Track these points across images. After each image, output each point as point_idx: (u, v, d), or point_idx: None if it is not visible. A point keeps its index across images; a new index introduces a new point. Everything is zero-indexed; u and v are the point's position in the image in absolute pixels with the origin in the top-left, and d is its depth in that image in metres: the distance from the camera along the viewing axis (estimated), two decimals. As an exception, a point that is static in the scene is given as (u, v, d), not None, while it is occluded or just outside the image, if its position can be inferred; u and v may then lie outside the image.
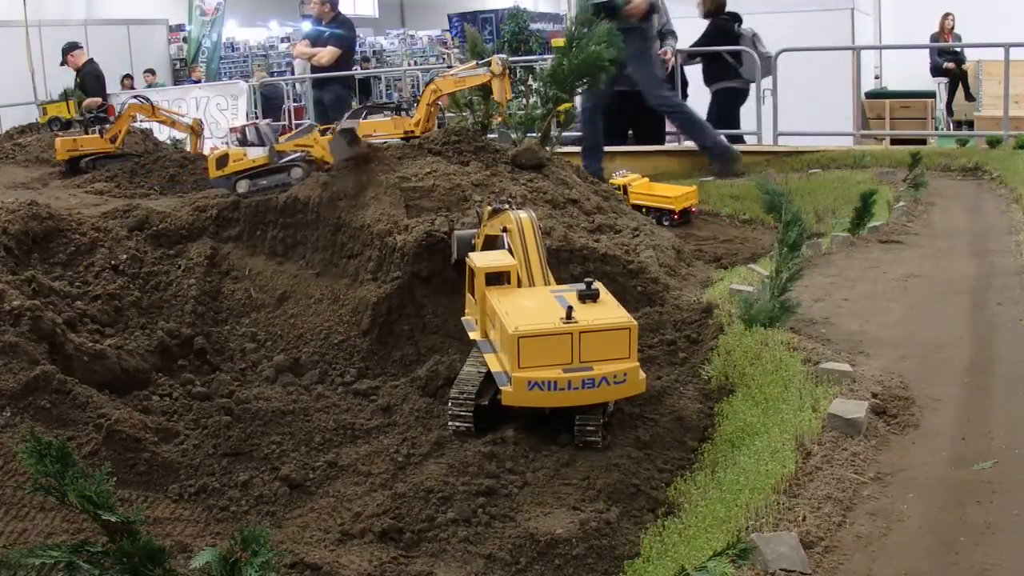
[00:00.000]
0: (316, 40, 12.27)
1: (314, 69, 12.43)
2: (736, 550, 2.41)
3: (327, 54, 12.03)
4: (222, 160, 6.46)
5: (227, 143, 6.59)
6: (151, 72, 20.22)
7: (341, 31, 12.19)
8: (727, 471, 3.49)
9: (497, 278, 4.21)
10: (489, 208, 4.65)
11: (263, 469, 4.01)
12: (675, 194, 7.65)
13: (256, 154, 6.38)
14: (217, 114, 13.63)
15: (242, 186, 6.31)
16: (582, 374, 3.73)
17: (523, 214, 4.33)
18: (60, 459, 2.33)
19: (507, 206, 4.48)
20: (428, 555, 3.37)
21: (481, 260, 4.32)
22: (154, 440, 4.05)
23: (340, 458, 4.07)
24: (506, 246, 4.44)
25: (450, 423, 4.10)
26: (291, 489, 3.88)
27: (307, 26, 14.50)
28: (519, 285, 4.23)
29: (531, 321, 3.80)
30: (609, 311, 3.89)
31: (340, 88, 12.35)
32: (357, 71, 13.77)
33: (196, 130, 8.10)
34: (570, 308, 3.79)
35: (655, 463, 3.79)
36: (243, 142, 6.51)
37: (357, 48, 16.91)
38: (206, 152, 7.70)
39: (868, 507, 3.04)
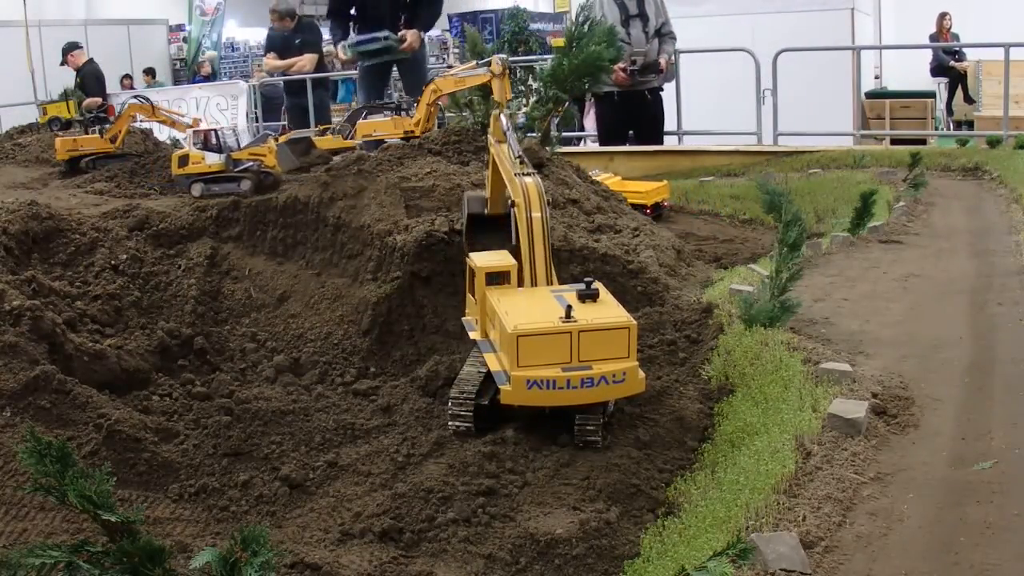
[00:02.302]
0: (284, 50, 12.24)
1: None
2: (736, 550, 2.41)
3: (307, 62, 12.02)
4: (183, 160, 6.68)
5: (193, 143, 6.76)
6: (149, 72, 20.15)
7: (311, 37, 12.22)
8: (727, 471, 3.49)
9: (497, 278, 4.21)
10: (495, 113, 4.55)
11: (263, 469, 4.01)
12: (646, 190, 7.74)
13: (213, 160, 6.57)
14: (217, 114, 13.61)
15: (196, 189, 6.51)
16: (581, 373, 3.73)
17: (530, 181, 4.19)
18: (60, 459, 2.33)
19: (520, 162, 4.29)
20: (428, 555, 3.37)
21: (481, 260, 4.32)
22: (154, 440, 4.05)
23: (340, 458, 4.07)
24: (512, 222, 4.37)
25: (450, 423, 4.10)
26: (291, 489, 3.88)
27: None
28: (520, 272, 4.21)
29: (530, 320, 3.80)
30: (609, 311, 3.89)
31: (323, 92, 12.36)
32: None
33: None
34: (569, 307, 3.79)
35: (655, 463, 3.79)
36: (205, 145, 6.67)
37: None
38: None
39: (868, 507, 3.04)
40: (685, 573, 2.43)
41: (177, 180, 6.73)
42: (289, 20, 12.11)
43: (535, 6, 26.68)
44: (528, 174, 4.24)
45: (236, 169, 6.55)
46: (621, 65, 9.35)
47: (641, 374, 3.87)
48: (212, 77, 20.05)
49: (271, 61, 12.61)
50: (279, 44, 12.42)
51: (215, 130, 6.86)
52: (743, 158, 10.08)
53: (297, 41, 12.14)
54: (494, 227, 4.85)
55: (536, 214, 4.13)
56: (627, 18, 9.61)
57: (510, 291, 4.16)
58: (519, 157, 4.36)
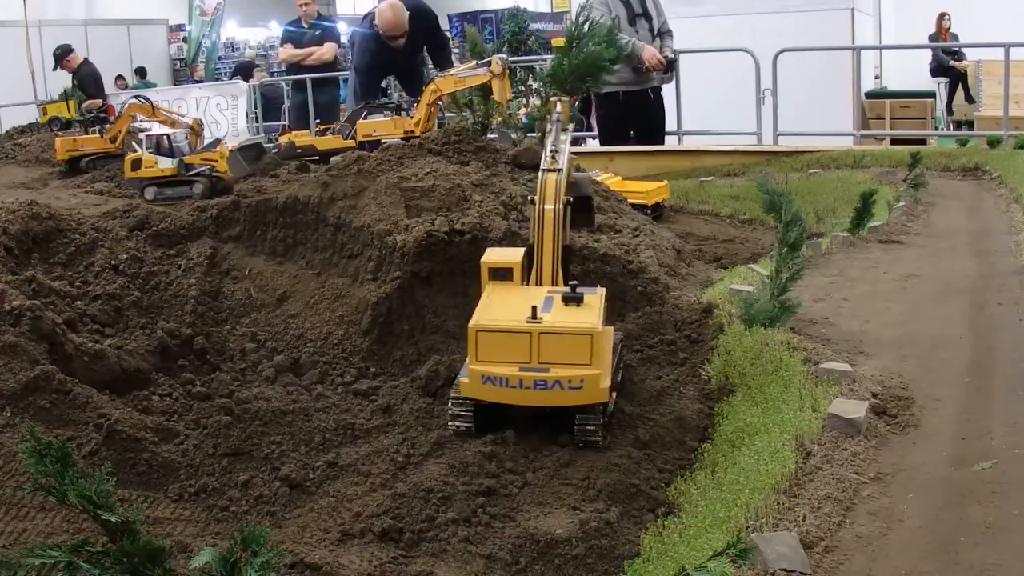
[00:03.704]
0: (300, 41, 12.24)
1: (305, 70, 12.36)
2: (736, 550, 2.41)
3: (328, 51, 12.01)
4: (136, 163, 6.79)
5: (146, 147, 6.82)
6: (139, 72, 19.99)
7: (328, 32, 12.24)
8: (727, 471, 3.49)
9: (501, 273, 4.22)
10: (564, 101, 4.55)
11: (263, 469, 4.00)
12: (647, 189, 7.72)
13: (165, 164, 6.70)
14: (217, 114, 13.61)
15: (149, 193, 6.63)
16: (535, 375, 3.73)
17: (551, 177, 4.14)
18: (60, 459, 2.33)
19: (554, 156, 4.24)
20: (428, 555, 3.37)
21: (488, 255, 4.37)
22: (154, 440, 4.04)
23: (340, 458, 4.07)
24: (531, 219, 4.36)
25: (450, 423, 4.09)
26: (291, 489, 3.87)
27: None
28: (528, 271, 4.21)
29: (496, 317, 3.83)
30: (580, 316, 3.84)
31: (334, 89, 12.36)
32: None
33: (196, 130, 8.10)
34: (535, 308, 3.78)
35: (655, 463, 3.79)
36: (157, 150, 6.73)
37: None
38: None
39: (868, 507, 3.05)
40: (685, 573, 2.43)
41: (130, 183, 6.86)
42: (315, 8, 12.23)
43: (535, 6, 26.68)
44: (554, 170, 4.21)
45: (188, 173, 6.66)
46: (657, 56, 9.44)
47: (604, 383, 3.79)
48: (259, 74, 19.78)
49: (288, 50, 12.57)
50: (296, 36, 12.44)
51: (168, 135, 6.94)
52: (743, 158, 10.07)
53: (317, 33, 12.15)
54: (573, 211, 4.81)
55: (548, 207, 4.12)
56: (633, 17, 9.69)
57: (507, 287, 4.17)
58: (553, 152, 4.33)
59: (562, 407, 3.83)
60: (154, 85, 18.18)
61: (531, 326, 3.74)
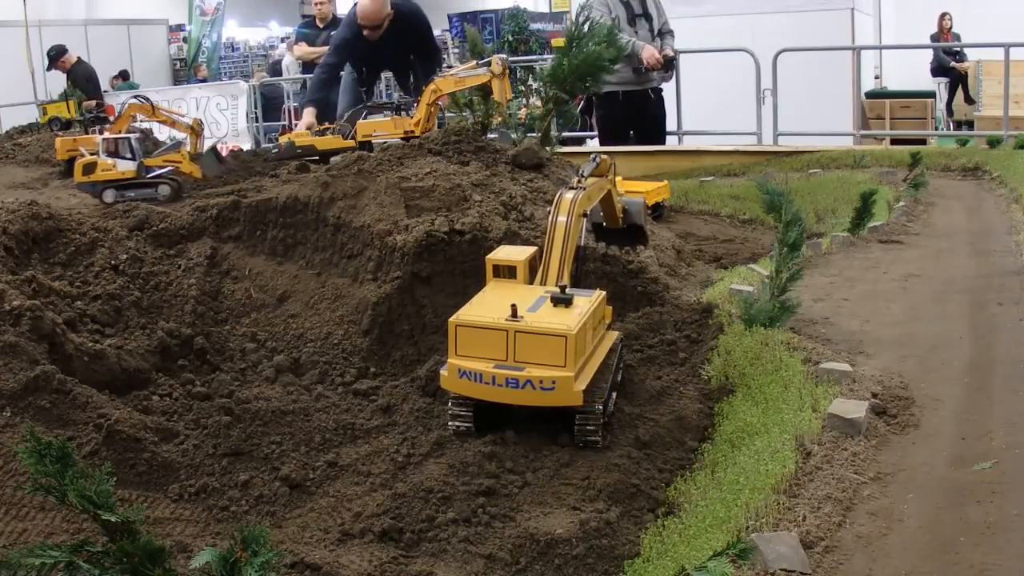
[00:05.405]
0: (314, 41, 12.31)
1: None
2: (736, 550, 2.41)
3: None
4: (89, 168, 6.71)
5: (102, 151, 6.78)
6: (121, 75, 19.93)
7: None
8: (727, 471, 3.49)
9: (504, 271, 4.23)
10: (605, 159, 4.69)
11: (263, 469, 4.01)
12: (647, 189, 7.70)
13: (125, 167, 6.65)
14: (217, 114, 13.62)
15: (108, 195, 6.58)
16: (508, 373, 3.74)
17: (568, 194, 4.21)
18: (60, 459, 2.32)
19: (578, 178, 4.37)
20: (428, 555, 3.37)
21: (497, 252, 4.38)
22: (154, 440, 4.04)
23: (340, 458, 4.07)
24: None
25: (450, 423, 4.10)
26: (291, 489, 3.88)
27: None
28: (534, 273, 4.24)
29: (479, 313, 3.86)
30: (560, 318, 3.82)
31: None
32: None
33: (196, 130, 8.09)
34: (514, 306, 3.80)
35: (655, 463, 3.79)
36: (114, 153, 6.72)
37: None
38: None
39: (868, 507, 3.05)
40: (685, 573, 2.44)
41: (81, 187, 6.77)
42: (330, 8, 12.30)
43: (535, 6, 26.66)
44: (574, 188, 4.31)
45: (149, 176, 6.65)
46: (656, 56, 9.46)
47: (578, 387, 3.76)
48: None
49: (303, 48, 12.62)
50: (310, 37, 12.49)
51: (127, 138, 6.93)
52: (743, 158, 10.08)
53: (333, 33, 12.23)
54: (625, 236, 5.16)
55: (560, 219, 4.17)
56: (633, 17, 9.71)
57: (507, 284, 4.19)
58: (580, 175, 4.44)
59: (559, 408, 3.83)
60: (137, 86, 18.07)
61: (508, 324, 3.76)
